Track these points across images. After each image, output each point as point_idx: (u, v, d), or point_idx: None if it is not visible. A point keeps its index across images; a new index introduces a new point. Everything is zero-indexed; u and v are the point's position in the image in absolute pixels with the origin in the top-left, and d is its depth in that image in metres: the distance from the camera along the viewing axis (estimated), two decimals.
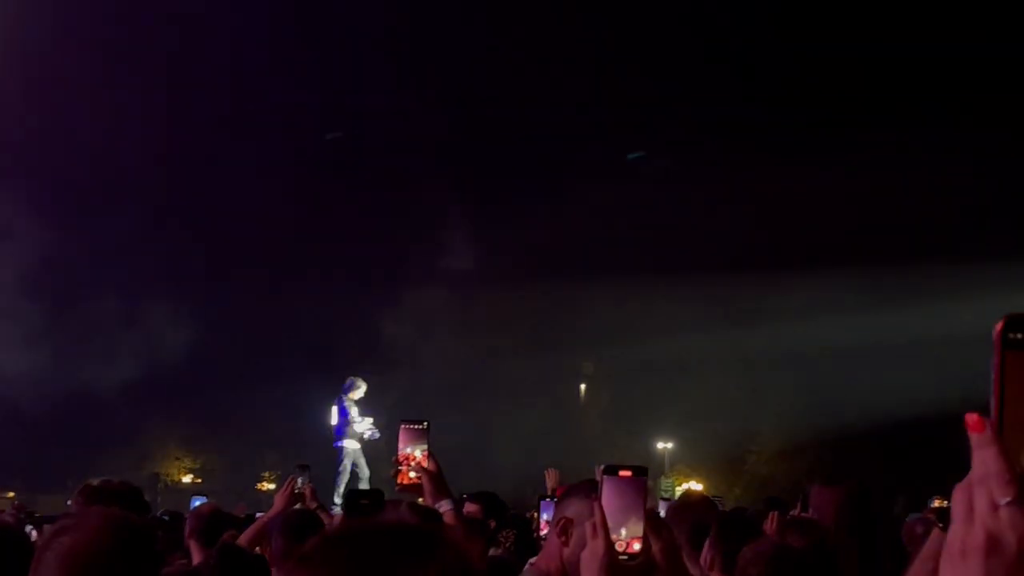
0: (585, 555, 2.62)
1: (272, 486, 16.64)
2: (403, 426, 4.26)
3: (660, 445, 21.80)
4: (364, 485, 14.22)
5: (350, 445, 15.48)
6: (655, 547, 2.90)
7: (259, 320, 20.86)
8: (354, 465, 15.38)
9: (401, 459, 4.18)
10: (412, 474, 4.14)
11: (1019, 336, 1.20)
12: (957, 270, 18.46)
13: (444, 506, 4.02)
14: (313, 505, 7.02)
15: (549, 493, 7.49)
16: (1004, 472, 1.16)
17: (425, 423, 4.28)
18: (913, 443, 17.45)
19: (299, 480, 6.94)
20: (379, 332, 20.58)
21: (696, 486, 18.23)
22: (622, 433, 19.97)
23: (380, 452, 15.31)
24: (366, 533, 1.39)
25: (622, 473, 2.81)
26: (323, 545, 1.40)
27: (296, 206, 20.93)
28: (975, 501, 1.19)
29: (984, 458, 1.18)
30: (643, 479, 2.84)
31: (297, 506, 6.69)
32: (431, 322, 19.97)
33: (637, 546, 2.83)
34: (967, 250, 18.34)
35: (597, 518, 2.67)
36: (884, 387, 18.33)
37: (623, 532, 2.87)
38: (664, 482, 14.73)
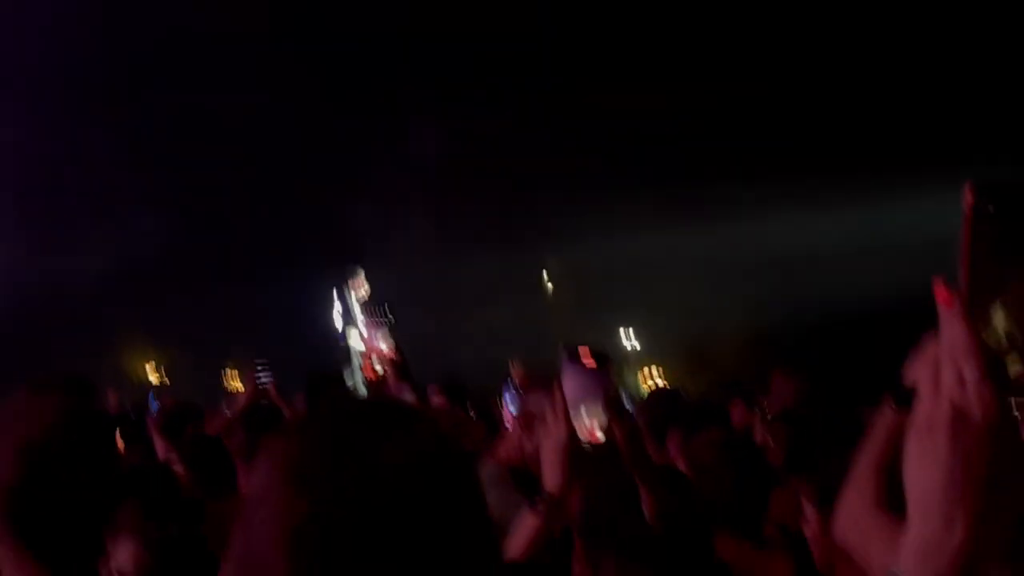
0: (546, 442, 2.60)
1: (238, 383, 16.76)
2: (368, 320, 4.23)
3: (626, 342, 21.97)
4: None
5: (354, 344, 15.35)
6: (617, 433, 2.89)
7: (227, 216, 20.70)
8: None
9: (368, 353, 4.16)
10: (377, 367, 4.13)
11: (987, 206, 1.18)
12: (920, 169, 18.58)
13: (407, 394, 4.00)
14: (279, 400, 7.02)
15: (514, 384, 7.50)
16: (972, 346, 1.14)
17: (391, 317, 4.25)
18: (878, 339, 17.65)
19: (261, 375, 6.94)
20: (344, 228, 20.48)
21: (660, 380, 18.42)
22: (587, 330, 20.08)
23: None
24: (342, 409, 1.34)
25: (584, 360, 2.79)
26: (295, 423, 1.36)
27: (263, 104, 20.60)
28: (942, 375, 1.18)
29: (952, 332, 1.16)
30: (606, 366, 2.82)
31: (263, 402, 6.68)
32: (396, 218, 19.89)
33: (599, 433, 2.82)
34: (930, 147, 18.41)
35: (558, 404, 2.64)
36: (850, 283, 18.53)
37: (585, 419, 2.86)
38: (629, 378, 14.85)
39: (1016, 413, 1.17)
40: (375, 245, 19.51)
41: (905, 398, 2.66)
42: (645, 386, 15.90)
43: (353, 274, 15.36)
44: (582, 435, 2.68)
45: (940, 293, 1.19)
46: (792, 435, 4.61)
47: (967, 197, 1.21)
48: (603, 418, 2.77)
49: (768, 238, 20.08)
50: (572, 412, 2.66)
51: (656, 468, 3.18)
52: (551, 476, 2.54)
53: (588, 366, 2.75)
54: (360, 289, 15.32)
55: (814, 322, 18.70)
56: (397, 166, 20.04)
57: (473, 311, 19.03)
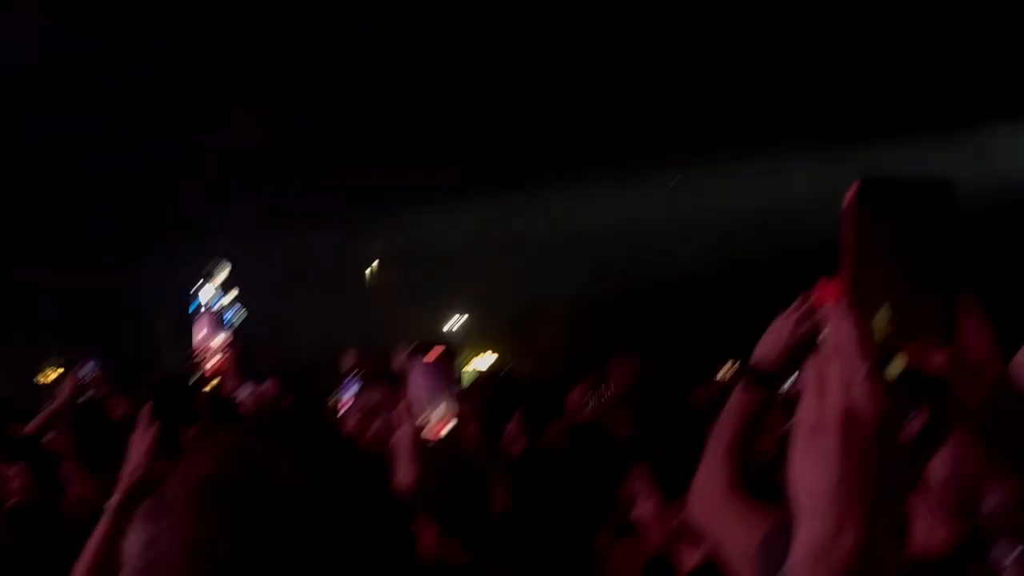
0: (395, 440, 2.62)
1: (54, 377, 16.13)
2: (204, 314, 4.15)
3: (451, 323, 21.94)
4: None
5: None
6: (470, 427, 2.93)
7: (42, 201, 19.85)
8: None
9: (199, 349, 4.09)
10: (211, 362, 4.07)
11: (870, 202, 1.19)
12: (741, 142, 19.04)
13: (245, 390, 3.97)
14: (104, 392, 6.81)
15: (347, 372, 7.45)
16: (862, 344, 1.16)
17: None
18: (702, 312, 18.12)
19: (85, 370, 6.72)
20: (168, 209, 19.91)
21: (489, 357, 18.48)
22: (412, 313, 19.99)
23: None
24: (247, 426, 1.33)
25: (429, 355, 2.81)
26: (203, 437, 1.33)
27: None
28: (829, 374, 1.18)
29: (841, 330, 1.17)
30: (450, 360, 2.84)
31: (86, 396, 6.49)
32: (217, 204, 19.40)
33: (446, 429, 2.86)
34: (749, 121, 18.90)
35: (404, 403, 2.67)
36: (672, 258, 18.89)
37: (432, 415, 2.88)
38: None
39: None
40: (196, 230, 19.08)
41: (753, 377, 2.76)
42: (470, 368, 15.91)
43: (217, 268, 15.05)
44: (428, 430, 2.70)
45: (827, 291, 1.19)
46: (633, 418, 4.68)
47: (851, 193, 1.21)
48: (449, 412, 2.79)
49: (591, 212, 20.30)
50: (418, 407, 2.69)
51: (502, 457, 3.21)
52: (403, 470, 2.55)
53: (432, 360, 2.76)
54: (222, 275, 15.02)
55: (641, 297, 19.02)
56: (220, 152, 19.59)
57: (297, 296, 18.77)
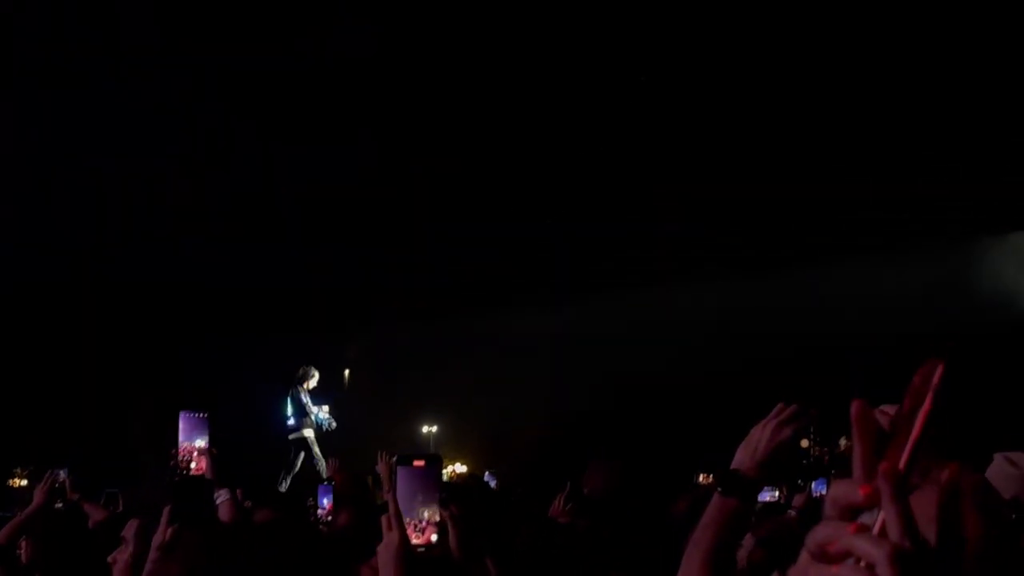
0: (381, 549, 2.62)
1: (24, 482, 15.94)
2: (183, 414, 4.14)
3: (425, 428, 21.81)
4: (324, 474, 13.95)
5: (308, 434, 15.16)
6: (451, 537, 2.93)
7: None
8: (307, 457, 15.05)
9: (182, 452, 4.06)
10: (193, 465, 4.04)
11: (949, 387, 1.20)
12: (706, 254, 19.23)
13: (221, 496, 3.95)
14: (74, 497, 6.73)
15: (326, 479, 7.42)
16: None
17: (206, 412, 4.17)
18: (682, 422, 18.12)
19: (60, 474, 6.64)
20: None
21: (461, 468, 18.34)
22: (387, 418, 19.89)
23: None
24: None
25: (416, 463, 2.82)
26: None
27: None
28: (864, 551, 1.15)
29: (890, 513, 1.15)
30: (436, 468, 2.85)
31: (58, 504, 6.41)
32: None
33: (434, 537, 2.85)
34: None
35: (391, 511, 2.68)
36: (649, 364, 18.91)
37: (418, 522, 2.87)
38: None
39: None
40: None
41: (732, 484, 2.79)
42: (446, 473, 15.75)
43: (307, 376, 15.40)
44: (415, 539, 2.71)
45: (882, 475, 1.16)
46: (604, 525, 4.69)
47: (939, 371, 1.21)
48: (435, 520, 2.80)
49: (564, 323, 20.38)
50: (405, 515, 2.69)
51: (488, 563, 3.21)
52: None
53: (418, 467, 2.77)
54: (312, 380, 15.40)
55: (616, 405, 19.00)
56: None
57: (270, 399, 18.64)
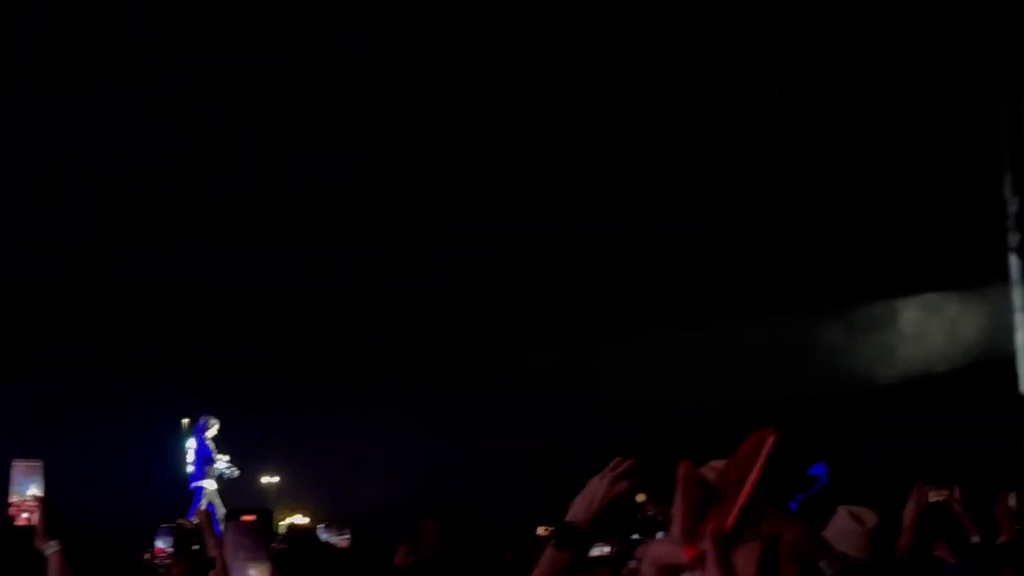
0: None
1: None
2: (15, 463, 4.11)
3: (265, 479, 20.91)
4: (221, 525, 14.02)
5: (209, 485, 15.23)
6: None
7: None
8: (211, 506, 14.96)
9: (14, 503, 4.03)
10: (24, 515, 3.99)
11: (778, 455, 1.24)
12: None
13: (51, 548, 3.86)
14: None
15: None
16: None
17: (39, 461, 4.14)
18: (522, 478, 18.13)
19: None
20: None
21: (301, 519, 17.88)
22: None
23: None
24: None
25: (245, 517, 2.80)
26: None
27: None
28: None
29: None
30: (266, 524, 2.83)
31: None
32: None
33: None
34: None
35: (218, 568, 2.68)
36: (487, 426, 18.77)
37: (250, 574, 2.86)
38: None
39: None
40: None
41: (565, 536, 2.79)
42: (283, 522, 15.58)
43: (207, 425, 15.48)
44: None
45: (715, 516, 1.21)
46: None
47: (770, 441, 1.24)
48: (266, 573, 2.79)
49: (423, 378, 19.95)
50: (235, 569, 2.68)
51: None
52: None
53: (249, 522, 2.76)
54: (213, 430, 15.48)
55: (455, 461, 18.68)
56: None
57: (113, 448, 18.32)
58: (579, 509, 2.80)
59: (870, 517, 4.44)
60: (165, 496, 15.69)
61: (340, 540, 7.65)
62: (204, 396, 17.70)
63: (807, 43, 17.37)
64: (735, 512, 1.22)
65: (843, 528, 4.28)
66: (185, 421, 15.59)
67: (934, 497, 9.55)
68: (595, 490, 2.79)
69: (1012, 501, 8.47)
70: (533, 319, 19.43)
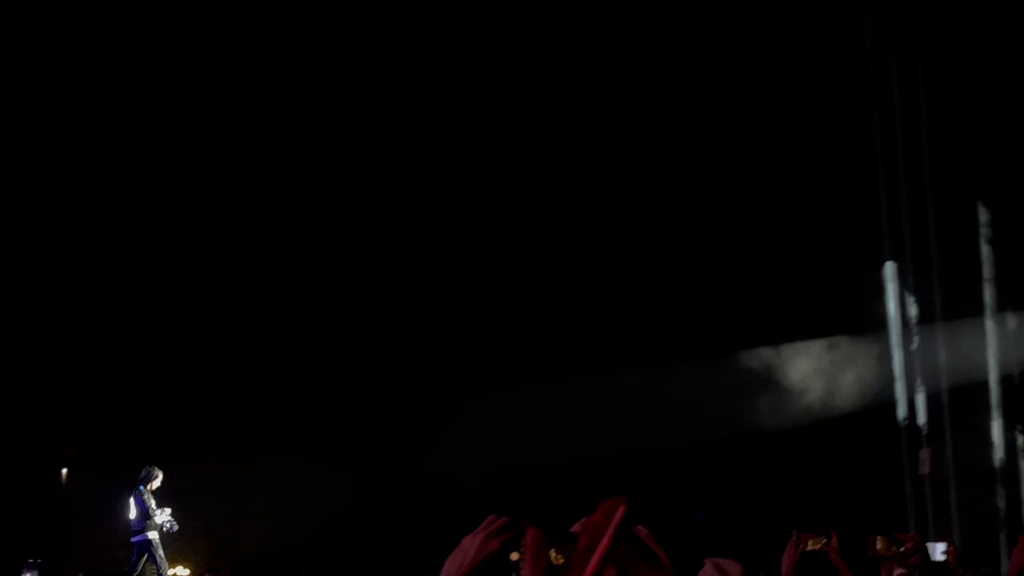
0: None
1: None
2: None
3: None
4: None
5: (152, 536, 14.75)
6: None
7: None
8: (149, 559, 14.70)
9: None
10: None
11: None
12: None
13: None
14: None
15: None
16: None
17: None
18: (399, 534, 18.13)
19: None
20: None
21: (183, 571, 17.60)
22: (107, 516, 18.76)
23: None
24: None
25: None
26: None
27: None
28: None
29: None
30: None
31: None
32: None
33: None
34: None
35: None
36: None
37: None
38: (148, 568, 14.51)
39: None
40: None
41: None
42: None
43: (151, 476, 15.14)
44: None
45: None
46: None
47: (620, 511, 1.28)
48: None
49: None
50: None
51: None
52: None
53: None
54: (155, 482, 15.16)
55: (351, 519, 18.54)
56: None
57: None
58: (451, 569, 2.78)
59: (735, 570, 4.49)
60: None
61: None
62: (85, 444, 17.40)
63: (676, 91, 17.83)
64: None
65: None
66: None
67: (812, 545, 9.72)
68: (467, 549, 2.77)
69: (880, 544, 8.64)
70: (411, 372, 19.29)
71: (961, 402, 18.09)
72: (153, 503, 14.81)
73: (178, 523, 14.87)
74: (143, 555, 14.75)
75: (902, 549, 9.14)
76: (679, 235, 18.16)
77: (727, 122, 17.93)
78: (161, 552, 14.76)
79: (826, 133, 17.88)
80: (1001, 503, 17.44)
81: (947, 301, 18.24)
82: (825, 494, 15.41)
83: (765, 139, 17.96)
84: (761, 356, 18.71)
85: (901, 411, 18.44)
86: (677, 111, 17.85)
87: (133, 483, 14.99)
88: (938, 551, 9.56)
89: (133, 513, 14.89)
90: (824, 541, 9.19)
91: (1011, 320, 18.17)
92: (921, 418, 18.38)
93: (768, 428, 17.60)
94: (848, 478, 16.31)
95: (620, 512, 1.28)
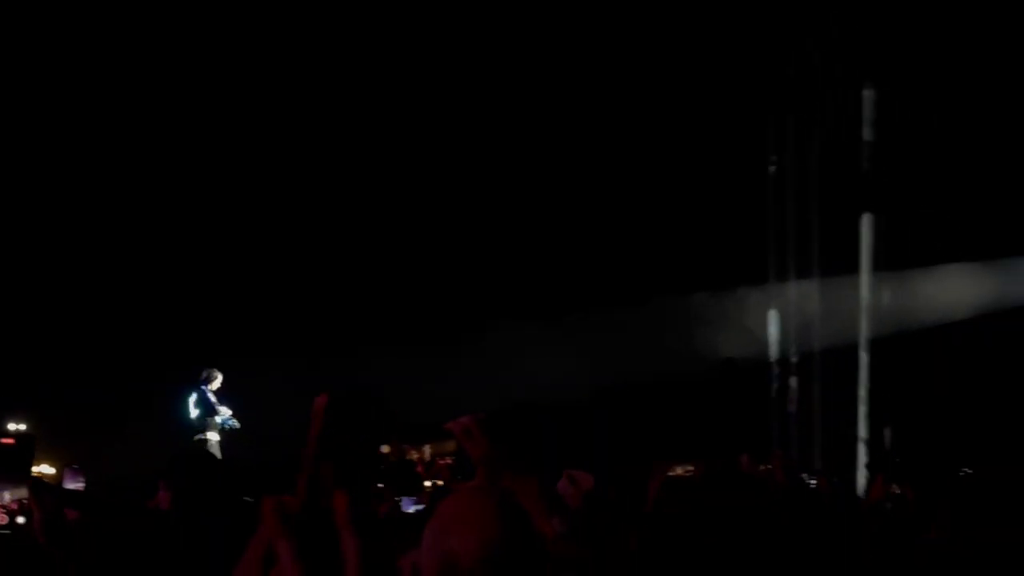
0: None
1: None
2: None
3: (12, 426, 20.10)
4: None
5: (212, 438, 14.89)
6: (35, 511, 2.98)
7: None
8: None
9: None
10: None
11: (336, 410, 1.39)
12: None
13: None
14: None
15: None
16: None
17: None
18: None
19: None
20: None
21: (48, 469, 17.40)
22: None
23: None
24: None
25: (3, 440, 2.87)
26: None
27: None
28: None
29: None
30: (25, 449, 2.90)
31: None
32: None
33: (20, 519, 2.91)
34: None
35: None
36: None
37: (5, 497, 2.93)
38: None
39: None
40: None
41: None
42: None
43: (211, 377, 15.09)
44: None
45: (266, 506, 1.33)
46: None
47: (319, 403, 1.41)
48: (19, 498, 2.86)
49: None
50: None
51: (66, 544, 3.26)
52: None
53: (5, 445, 2.82)
54: (215, 382, 15.10)
55: None
56: None
57: None
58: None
59: (586, 480, 4.79)
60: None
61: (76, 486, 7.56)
62: None
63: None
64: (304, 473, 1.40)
65: (562, 489, 4.60)
66: None
67: (680, 471, 10.16)
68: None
69: (744, 462, 9.17)
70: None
71: (830, 344, 18.79)
72: (216, 402, 14.81)
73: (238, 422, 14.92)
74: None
75: (765, 467, 9.66)
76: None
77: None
78: (218, 452, 14.68)
79: (717, 160, 18.33)
80: (863, 434, 18.25)
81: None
82: (696, 426, 15.90)
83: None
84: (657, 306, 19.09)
85: (773, 351, 19.28)
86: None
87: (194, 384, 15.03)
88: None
89: (194, 412, 14.83)
90: (690, 469, 9.67)
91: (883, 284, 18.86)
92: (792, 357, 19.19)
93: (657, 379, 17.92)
94: (719, 412, 16.86)
95: (321, 402, 1.44)
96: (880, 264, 18.83)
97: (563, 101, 18.18)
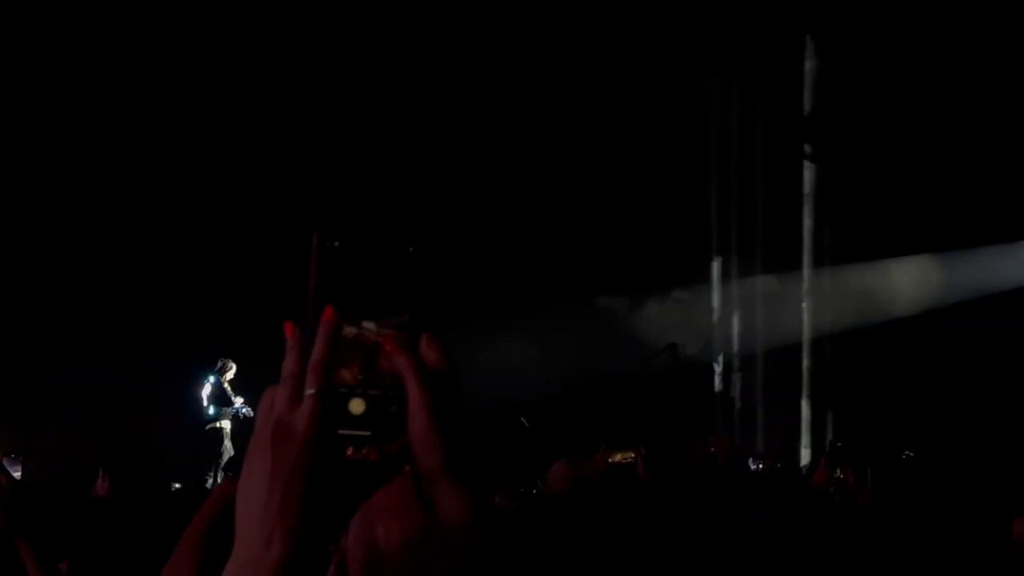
0: None
1: None
2: None
3: None
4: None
5: (227, 426, 15.00)
6: None
7: None
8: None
9: None
10: None
11: (332, 244, 1.33)
12: None
13: None
14: None
15: None
16: (301, 368, 1.23)
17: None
18: None
19: None
20: None
21: None
22: None
23: None
24: None
25: None
26: None
27: None
28: (278, 397, 1.24)
29: (290, 359, 1.26)
30: None
31: None
32: None
33: None
34: None
35: None
36: None
37: None
38: None
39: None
40: None
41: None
42: None
43: (226, 367, 15.20)
44: None
45: (286, 327, 1.27)
46: None
47: (314, 240, 1.29)
48: None
49: None
50: None
51: None
52: None
53: None
54: (230, 372, 15.23)
55: None
56: None
57: None
58: None
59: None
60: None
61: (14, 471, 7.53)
62: None
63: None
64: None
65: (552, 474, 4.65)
66: None
67: (620, 458, 10.31)
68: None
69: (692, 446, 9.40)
70: None
71: (773, 336, 19.00)
72: (231, 391, 14.76)
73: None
74: (221, 442, 14.88)
75: (712, 450, 9.88)
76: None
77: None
78: (229, 443, 14.75)
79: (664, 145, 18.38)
80: (804, 416, 18.50)
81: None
82: (641, 415, 16.02)
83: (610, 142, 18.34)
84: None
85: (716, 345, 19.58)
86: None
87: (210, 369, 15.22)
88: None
89: (207, 400, 14.78)
90: (631, 456, 9.81)
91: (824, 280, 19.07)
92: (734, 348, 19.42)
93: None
94: (664, 399, 16.98)
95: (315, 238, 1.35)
96: (822, 260, 19.06)
97: (506, 97, 18.22)
